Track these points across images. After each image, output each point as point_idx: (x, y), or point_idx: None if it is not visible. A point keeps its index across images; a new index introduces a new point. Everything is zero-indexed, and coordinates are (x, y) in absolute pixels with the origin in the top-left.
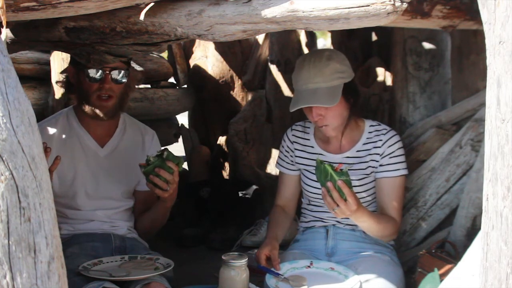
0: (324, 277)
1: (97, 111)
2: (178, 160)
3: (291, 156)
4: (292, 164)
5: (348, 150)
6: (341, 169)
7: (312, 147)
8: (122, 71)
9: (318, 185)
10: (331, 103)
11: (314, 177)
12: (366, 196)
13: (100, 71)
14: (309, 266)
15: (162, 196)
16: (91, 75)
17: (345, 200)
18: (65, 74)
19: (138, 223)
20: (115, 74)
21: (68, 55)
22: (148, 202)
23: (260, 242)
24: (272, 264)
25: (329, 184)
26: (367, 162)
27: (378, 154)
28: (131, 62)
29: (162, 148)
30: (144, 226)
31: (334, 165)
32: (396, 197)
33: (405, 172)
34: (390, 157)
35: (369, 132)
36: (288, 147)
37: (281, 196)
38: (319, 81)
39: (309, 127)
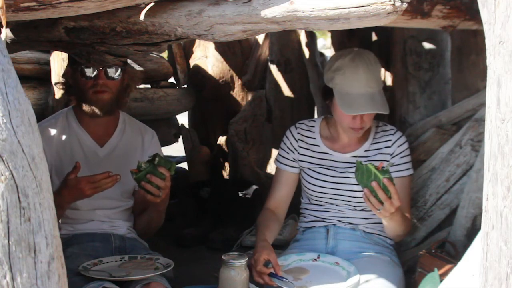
0: (327, 270)
1: (94, 107)
2: (170, 165)
3: (294, 154)
4: (294, 161)
5: (355, 150)
6: (383, 167)
7: (318, 146)
8: (117, 68)
9: (321, 184)
10: (387, 110)
11: (317, 176)
12: None
13: (95, 68)
14: (315, 260)
15: (154, 201)
16: (86, 73)
17: (390, 198)
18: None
19: (136, 223)
20: (110, 71)
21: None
22: (147, 202)
23: None
24: (274, 269)
25: (374, 184)
26: (376, 161)
27: (388, 154)
28: (128, 61)
29: (154, 153)
30: (141, 227)
31: (375, 164)
32: (406, 195)
33: (412, 171)
34: (401, 157)
35: (376, 132)
36: (291, 144)
37: (274, 197)
38: (374, 86)
39: (313, 126)
